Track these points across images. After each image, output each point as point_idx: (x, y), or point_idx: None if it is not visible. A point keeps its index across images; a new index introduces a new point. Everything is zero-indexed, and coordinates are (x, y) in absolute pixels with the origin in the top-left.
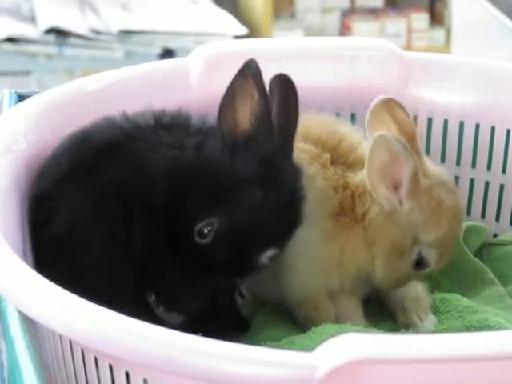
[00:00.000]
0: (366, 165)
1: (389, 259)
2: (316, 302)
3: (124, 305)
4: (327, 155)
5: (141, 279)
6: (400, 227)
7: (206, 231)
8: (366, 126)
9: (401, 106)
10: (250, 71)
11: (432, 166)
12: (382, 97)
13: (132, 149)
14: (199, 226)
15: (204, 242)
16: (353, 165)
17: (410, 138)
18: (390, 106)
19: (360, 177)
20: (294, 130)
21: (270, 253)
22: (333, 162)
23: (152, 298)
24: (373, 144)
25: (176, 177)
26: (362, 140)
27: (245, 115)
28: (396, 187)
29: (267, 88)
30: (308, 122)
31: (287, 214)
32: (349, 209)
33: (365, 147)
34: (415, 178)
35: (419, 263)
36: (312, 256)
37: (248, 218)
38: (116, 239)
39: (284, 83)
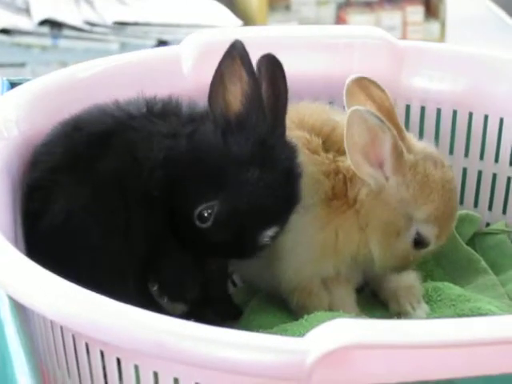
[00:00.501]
0: (345, 143)
1: (384, 240)
2: (310, 290)
3: (125, 295)
4: (318, 141)
5: (142, 269)
6: (390, 206)
7: (206, 214)
8: (345, 108)
9: (375, 84)
10: (236, 52)
11: (416, 141)
12: (353, 76)
13: (126, 138)
14: (199, 209)
15: (205, 226)
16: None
17: (389, 114)
18: (364, 84)
19: None
20: (285, 108)
21: (271, 231)
22: (326, 150)
23: (155, 289)
24: (348, 119)
25: (172, 165)
26: None
27: (235, 96)
28: (380, 164)
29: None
30: (302, 110)
31: (285, 192)
32: (341, 193)
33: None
34: (397, 151)
35: (419, 242)
36: (306, 243)
37: (246, 199)
38: (114, 228)
39: (271, 63)
